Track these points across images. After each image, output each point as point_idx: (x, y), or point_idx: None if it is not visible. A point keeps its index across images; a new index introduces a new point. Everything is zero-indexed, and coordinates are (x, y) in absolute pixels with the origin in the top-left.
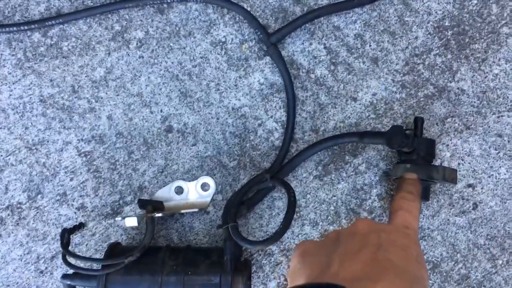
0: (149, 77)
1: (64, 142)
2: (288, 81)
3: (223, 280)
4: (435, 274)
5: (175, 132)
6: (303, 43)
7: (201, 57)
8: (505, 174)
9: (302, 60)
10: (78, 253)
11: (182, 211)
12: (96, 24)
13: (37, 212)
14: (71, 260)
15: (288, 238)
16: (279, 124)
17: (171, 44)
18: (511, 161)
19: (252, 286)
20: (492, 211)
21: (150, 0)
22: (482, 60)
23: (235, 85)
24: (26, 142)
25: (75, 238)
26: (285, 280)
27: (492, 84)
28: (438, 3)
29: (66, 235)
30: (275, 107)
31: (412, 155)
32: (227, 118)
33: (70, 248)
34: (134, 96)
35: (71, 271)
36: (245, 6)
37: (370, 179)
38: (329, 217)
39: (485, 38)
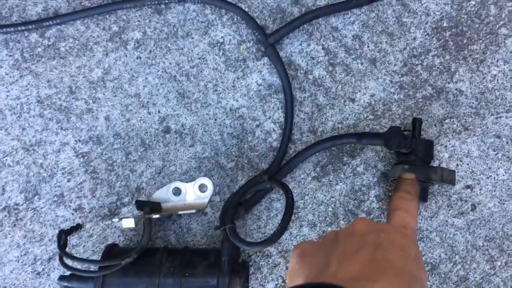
0: (146, 78)
1: (61, 143)
2: (286, 82)
3: (221, 281)
4: (433, 275)
5: (172, 133)
6: (301, 44)
7: (199, 58)
8: (503, 175)
9: (300, 61)
10: (75, 255)
11: (180, 212)
12: (94, 24)
13: (34, 213)
14: (68, 261)
15: (286, 239)
16: (277, 125)
17: (169, 45)
18: (510, 162)
19: (249, 287)
20: (491, 213)
21: (148, 1)
22: (480, 61)
23: (233, 86)
24: (23, 143)
25: (72, 240)
26: (283, 281)
27: (491, 85)
28: (436, 4)
29: (63, 236)
30: (273, 108)
31: (410, 156)
32: (225, 119)
33: (67, 249)
34: (132, 97)
35: (68, 273)
36: (243, 7)
37: (368, 180)
38: (327, 219)
39: (483, 39)
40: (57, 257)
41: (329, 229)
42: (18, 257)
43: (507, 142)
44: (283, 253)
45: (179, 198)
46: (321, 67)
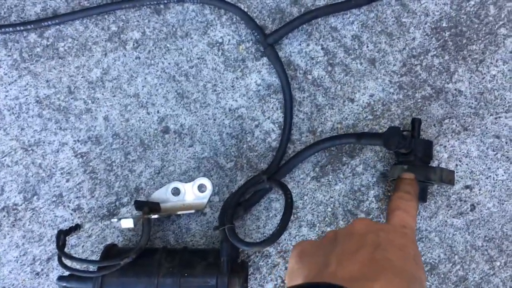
0: (145, 78)
1: (60, 143)
2: (285, 82)
3: (220, 282)
4: (432, 276)
5: (171, 133)
6: (300, 44)
7: (198, 58)
8: (502, 175)
9: (299, 61)
10: (74, 255)
11: (179, 213)
12: (93, 24)
13: (33, 214)
14: (67, 262)
15: (285, 239)
16: (276, 125)
17: (168, 45)
18: (509, 163)
19: (249, 287)
20: (490, 213)
21: (147, 1)
22: (479, 61)
23: (232, 86)
24: (22, 143)
25: (71, 240)
26: (282, 282)
27: (490, 85)
28: (436, 4)
29: (62, 236)
30: (272, 108)
31: (410, 156)
32: (224, 119)
33: (66, 249)
34: (131, 97)
35: (67, 273)
36: (242, 7)
37: (368, 180)
38: (327, 219)
39: (482, 39)
40: (56, 257)
41: (328, 229)
42: (17, 257)
43: (506, 142)
44: (282, 253)
45: (178, 198)
46: (320, 67)
